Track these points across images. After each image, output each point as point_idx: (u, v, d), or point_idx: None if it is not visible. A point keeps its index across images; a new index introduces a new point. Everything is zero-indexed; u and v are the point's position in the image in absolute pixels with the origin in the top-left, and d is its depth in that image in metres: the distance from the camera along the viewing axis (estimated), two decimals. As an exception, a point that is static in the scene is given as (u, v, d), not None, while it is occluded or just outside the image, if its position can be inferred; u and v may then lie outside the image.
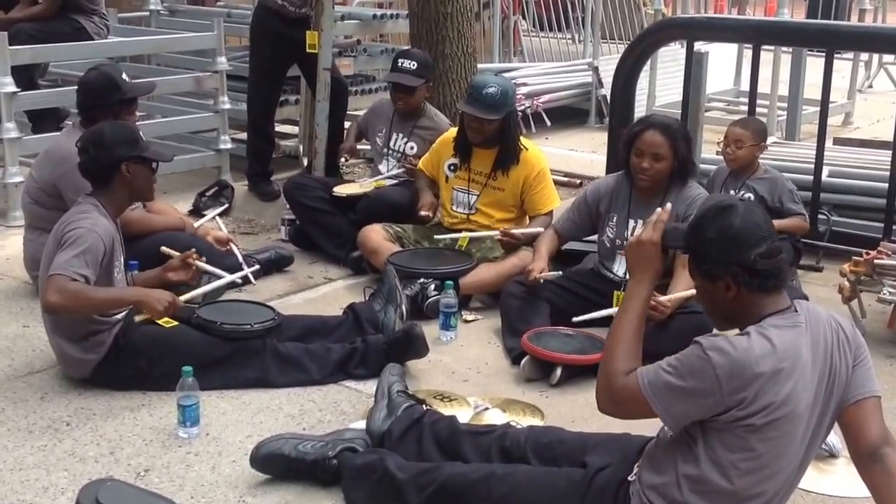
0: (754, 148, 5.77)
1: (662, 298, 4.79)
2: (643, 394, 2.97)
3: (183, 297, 4.63)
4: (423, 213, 5.94)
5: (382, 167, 6.63)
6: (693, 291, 4.80)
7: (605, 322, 5.08)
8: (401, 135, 6.56)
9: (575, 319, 4.97)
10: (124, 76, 5.45)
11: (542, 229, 5.61)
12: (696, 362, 2.91)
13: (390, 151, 6.60)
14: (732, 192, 5.79)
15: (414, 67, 6.39)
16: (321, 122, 7.03)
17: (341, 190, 6.39)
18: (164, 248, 5.21)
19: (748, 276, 2.95)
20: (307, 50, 6.97)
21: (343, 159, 7.19)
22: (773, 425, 2.92)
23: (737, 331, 3.04)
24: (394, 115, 6.60)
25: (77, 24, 7.48)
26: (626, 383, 3.03)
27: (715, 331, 3.22)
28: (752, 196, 5.70)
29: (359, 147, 6.99)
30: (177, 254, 5.05)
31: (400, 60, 6.46)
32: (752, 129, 5.85)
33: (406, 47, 7.31)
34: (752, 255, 2.93)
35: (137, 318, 4.47)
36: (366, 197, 6.24)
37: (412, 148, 6.49)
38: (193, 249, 5.01)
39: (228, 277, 5.16)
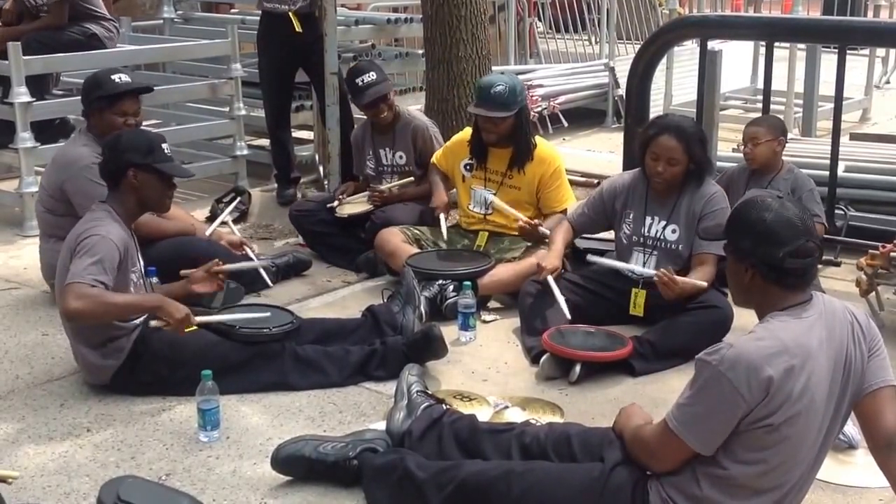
0: (772, 143, 5.72)
1: (677, 278, 4.80)
2: (678, 435, 2.98)
3: (200, 319, 4.52)
4: (437, 214, 5.94)
5: (384, 186, 6.50)
6: (704, 284, 4.84)
7: (621, 319, 5.12)
8: (387, 149, 6.52)
9: (589, 258, 5.17)
10: (116, 77, 5.35)
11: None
12: (711, 382, 2.92)
13: (386, 167, 6.55)
14: None
15: (374, 78, 6.29)
16: (332, 126, 7.03)
17: (343, 211, 6.38)
18: (183, 272, 4.90)
19: (767, 269, 2.99)
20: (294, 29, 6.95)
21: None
22: (791, 422, 2.92)
23: (745, 330, 3.05)
24: (371, 136, 6.55)
25: (88, 30, 7.50)
26: (656, 432, 3.09)
27: (724, 338, 3.22)
28: None
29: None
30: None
31: (358, 80, 6.29)
32: (766, 125, 5.82)
33: (401, 49, 7.26)
34: (781, 253, 2.96)
35: (153, 323, 4.41)
36: (371, 222, 6.15)
37: (401, 157, 6.46)
38: (217, 259, 4.88)
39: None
